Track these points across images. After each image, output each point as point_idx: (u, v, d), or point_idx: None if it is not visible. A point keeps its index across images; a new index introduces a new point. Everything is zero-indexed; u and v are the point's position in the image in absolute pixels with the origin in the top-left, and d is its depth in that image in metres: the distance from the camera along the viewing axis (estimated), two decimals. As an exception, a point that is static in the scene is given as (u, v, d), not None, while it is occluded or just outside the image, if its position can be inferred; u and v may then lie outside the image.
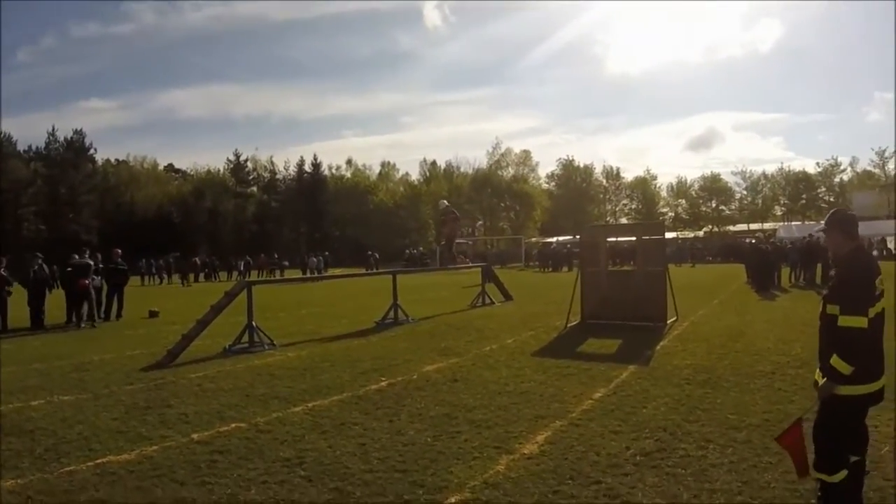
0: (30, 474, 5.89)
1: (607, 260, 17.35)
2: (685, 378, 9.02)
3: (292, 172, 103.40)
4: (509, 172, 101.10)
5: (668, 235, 55.93)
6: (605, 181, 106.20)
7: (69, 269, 19.24)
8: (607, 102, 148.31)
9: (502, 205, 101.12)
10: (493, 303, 20.89)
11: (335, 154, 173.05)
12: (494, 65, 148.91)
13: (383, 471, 5.65)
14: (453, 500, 5.02)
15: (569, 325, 14.67)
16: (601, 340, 12.66)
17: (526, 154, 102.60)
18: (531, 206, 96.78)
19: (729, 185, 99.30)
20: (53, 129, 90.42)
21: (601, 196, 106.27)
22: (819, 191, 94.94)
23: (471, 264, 25.79)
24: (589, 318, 15.21)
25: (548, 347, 12.21)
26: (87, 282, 18.78)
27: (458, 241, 20.95)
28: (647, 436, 6.39)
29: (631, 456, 5.82)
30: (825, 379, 4.30)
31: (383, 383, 9.33)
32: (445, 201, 21.42)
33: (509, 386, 8.89)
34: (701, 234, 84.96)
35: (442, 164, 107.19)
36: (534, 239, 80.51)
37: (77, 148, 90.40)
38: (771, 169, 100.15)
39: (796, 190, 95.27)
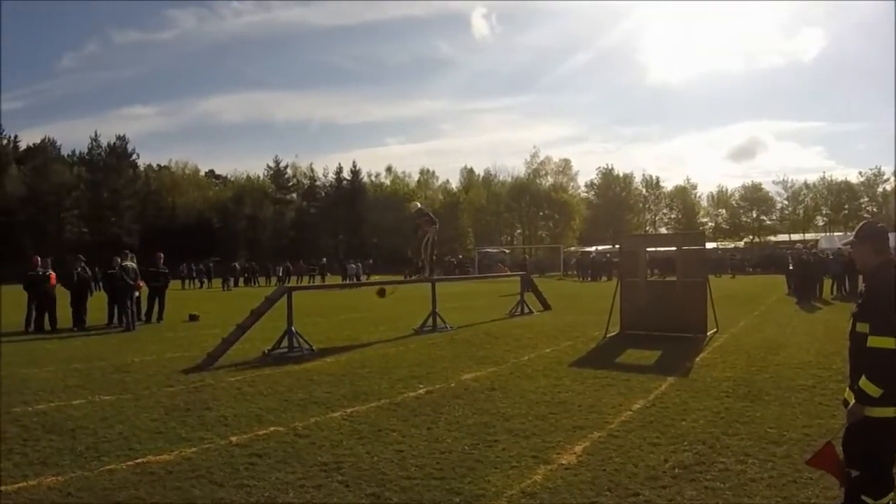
0: (70, 472, 5.99)
1: (647, 270, 17.20)
2: (724, 391, 8.89)
3: (331, 179, 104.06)
4: (548, 181, 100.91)
5: (708, 245, 55.39)
6: (644, 190, 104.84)
7: (115, 271, 19.54)
8: (647, 110, 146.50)
9: (541, 213, 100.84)
10: (531, 312, 20.80)
11: (375, 161, 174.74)
12: (533, 72, 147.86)
13: (420, 478, 5.65)
14: (490, 508, 4.98)
15: (608, 335, 14.58)
16: (640, 351, 12.55)
17: (565, 163, 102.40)
18: (570, 215, 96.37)
19: (770, 194, 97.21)
20: (96, 135, 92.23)
21: (641, 205, 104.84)
22: (862, 201, 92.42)
23: (509, 273, 25.73)
24: (628, 328, 15.11)
25: (586, 357, 12.12)
26: (139, 283, 19.16)
27: (431, 247, 18.26)
28: (685, 448, 6.30)
29: (669, 469, 5.75)
30: (854, 400, 4.18)
31: (421, 390, 9.34)
32: (418, 203, 20.00)
33: (547, 396, 8.84)
34: (741, 244, 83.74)
35: (480, 171, 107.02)
36: (572, 248, 79.71)
37: (120, 153, 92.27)
38: (812, 178, 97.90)
39: (839, 200, 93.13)
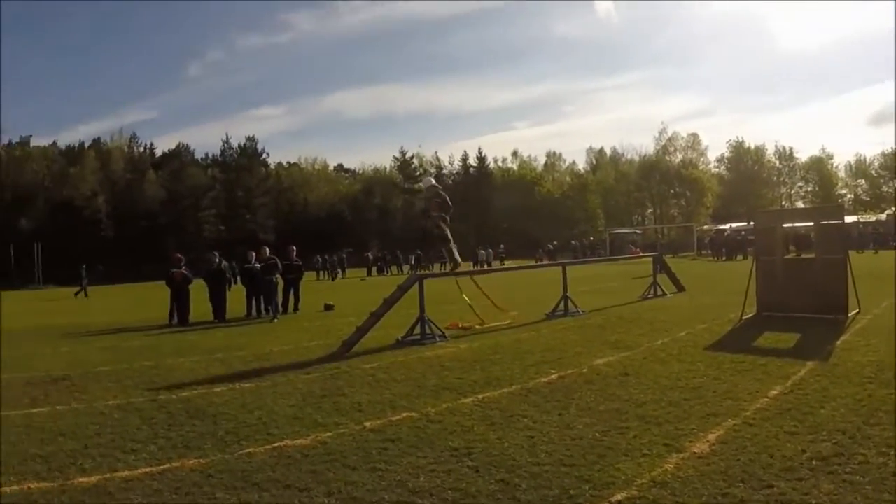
0: (212, 454, 6.28)
1: (784, 247, 16.55)
2: (867, 377, 8.23)
3: (458, 166, 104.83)
4: (677, 157, 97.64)
5: (848, 219, 52.88)
6: (777, 162, 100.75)
7: (258, 265, 20.33)
8: (776, 77, 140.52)
9: (672, 191, 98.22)
10: (664, 294, 20.30)
11: (500, 146, 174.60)
12: (656, 44, 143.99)
13: (550, 464, 5.58)
14: (619, 497, 4.86)
15: (744, 317, 14.02)
16: (778, 334, 11.90)
17: (694, 137, 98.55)
18: (702, 192, 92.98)
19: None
20: (227, 137, 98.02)
21: (774, 178, 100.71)
22: None
23: (641, 254, 25.20)
24: (765, 310, 14.52)
25: (722, 341, 11.64)
26: (273, 279, 19.84)
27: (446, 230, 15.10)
28: (824, 438, 5.90)
29: (806, 460, 5.40)
30: None
31: (553, 376, 9.23)
32: (432, 179, 16.50)
33: (681, 381, 8.55)
34: (884, 216, 79.07)
35: (608, 151, 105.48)
36: (706, 226, 77.18)
37: (250, 153, 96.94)
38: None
39: None
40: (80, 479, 5.74)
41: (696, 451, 5.76)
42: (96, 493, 5.41)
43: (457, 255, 15.58)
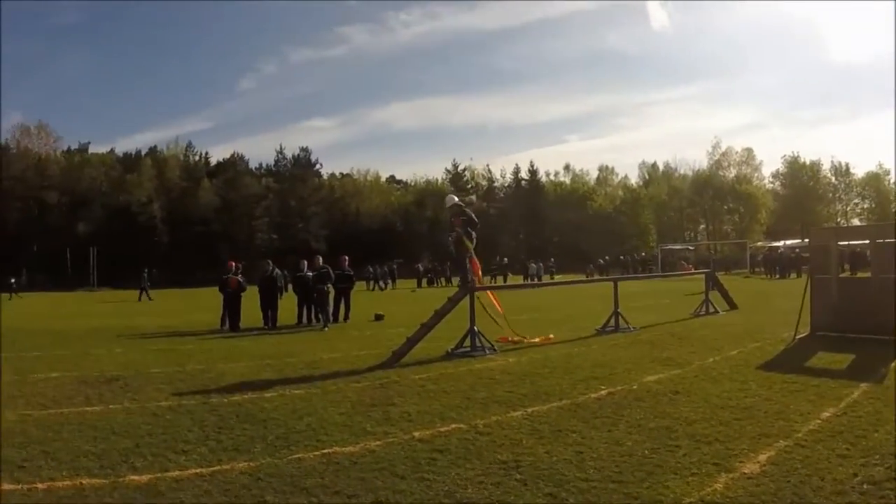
0: (261, 458, 6.36)
1: (839, 265, 16.26)
2: None
3: (509, 179, 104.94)
4: (731, 172, 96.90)
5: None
6: (833, 178, 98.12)
7: (311, 274, 20.62)
8: (831, 90, 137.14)
9: (725, 207, 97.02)
10: (716, 312, 20.04)
11: (552, 160, 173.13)
12: (709, 58, 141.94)
13: (598, 480, 5.53)
14: (667, 515, 4.86)
15: (797, 336, 13.76)
16: (832, 355, 11.62)
17: (748, 152, 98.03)
18: (755, 208, 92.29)
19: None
20: (281, 148, 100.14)
21: (830, 195, 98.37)
22: None
23: (693, 271, 24.89)
24: (819, 329, 14.24)
25: (774, 361, 11.40)
26: (324, 287, 20.05)
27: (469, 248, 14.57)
28: (876, 462, 5.75)
29: (858, 484, 5.26)
30: None
31: (603, 392, 9.16)
32: (454, 196, 15.70)
33: (732, 401, 8.40)
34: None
35: (661, 165, 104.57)
36: (759, 243, 75.75)
37: (304, 164, 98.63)
38: None
39: None
40: (132, 477, 5.86)
41: (746, 471, 5.68)
42: (147, 492, 5.51)
43: (471, 276, 14.56)
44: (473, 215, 14.90)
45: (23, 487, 5.66)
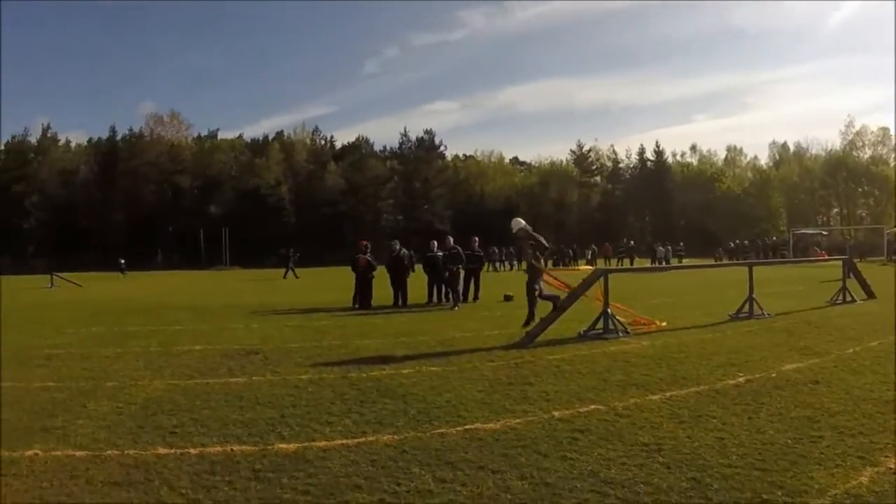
0: (405, 432, 6.48)
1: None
2: None
3: (635, 160, 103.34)
4: (866, 153, 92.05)
5: None
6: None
7: (441, 254, 21.07)
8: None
9: (860, 190, 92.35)
10: (854, 300, 19.21)
11: (678, 140, 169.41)
12: (841, 31, 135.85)
13: (741, 467, 5.37)
14: (812, 505, 4.69)
15: (939, 327, 13.13)
16: None
17: (884, 132, 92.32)
18: (892, 192, 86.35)
19: None
20: (405, 131, 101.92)
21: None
22: None
23: (827, 257, 23.91)
24: (962, 320, 13.52)
25: (916, 353, 10.97)
26: (455, 268, 20.26)
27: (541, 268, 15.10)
28: None
29: None
30: None
31: (740, 379, 8.87)
32: (521, 220, 15.85)
33: (874, 393, 7.94)
34: None
35: (791, 145, 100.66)
36: (896, 229, 72.60)
37: (428, 146, 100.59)
38: None
39: None
40: (280, 445, 6.08)
41: (891, 466, 5.40)
42: (295, 460, 5.69)
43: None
44: (542, 239, 15.33)
45: (176, 452, 5.95)
